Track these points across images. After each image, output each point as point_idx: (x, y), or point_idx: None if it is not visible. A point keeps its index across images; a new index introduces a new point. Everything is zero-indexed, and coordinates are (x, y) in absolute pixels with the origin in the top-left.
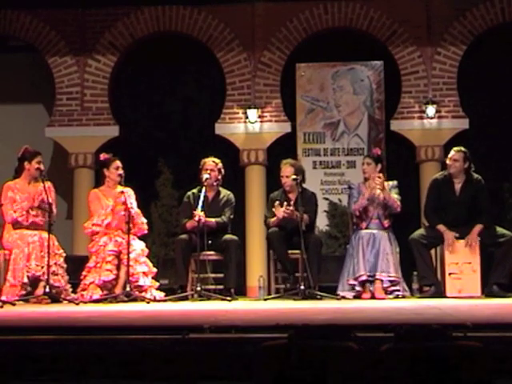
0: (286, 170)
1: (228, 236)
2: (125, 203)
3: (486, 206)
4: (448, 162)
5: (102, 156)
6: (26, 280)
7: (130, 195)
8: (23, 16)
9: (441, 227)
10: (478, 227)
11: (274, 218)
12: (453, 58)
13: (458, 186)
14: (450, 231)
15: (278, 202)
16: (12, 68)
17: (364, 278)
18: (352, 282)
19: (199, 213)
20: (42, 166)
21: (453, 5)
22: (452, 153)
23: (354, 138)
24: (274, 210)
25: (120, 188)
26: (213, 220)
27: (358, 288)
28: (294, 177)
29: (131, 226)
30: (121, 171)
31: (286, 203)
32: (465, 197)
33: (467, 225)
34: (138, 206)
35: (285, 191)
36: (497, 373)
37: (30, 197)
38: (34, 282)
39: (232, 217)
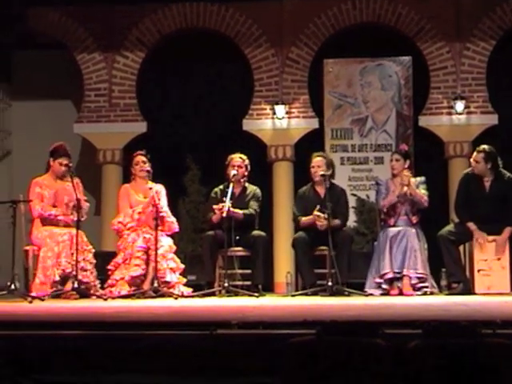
0: (318, 161)
1: (256, 232)
2: (153, 199)
3: None
4: (471, 162)
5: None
6: (57, 278)
7: (159, 192)
8: (52, 13)
9: (471, 225)
10: (508, 230)
11: (307, 218)
12: (482, 53)
13: (487, 184)
14: (481, 231)
15: (318, 212)
16: (41, 65)
17: (390, 275)
18: (378, 280)
19: (227, 206)
20: (69, 163)
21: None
22: (474, 154)
23: (381, 134)
24: (314, 216)
25: (150, 184)
26: (240, 211)
27: (384, 286)
28: (322, 173)
29: (159, 223)
30: (143, 166)
31: (317, 210)
32: (495, 194)
33: (497, 221)
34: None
35: (313, 186)
36: None
37: (57, 193)
38: (64, 278)
39: (258, 210)
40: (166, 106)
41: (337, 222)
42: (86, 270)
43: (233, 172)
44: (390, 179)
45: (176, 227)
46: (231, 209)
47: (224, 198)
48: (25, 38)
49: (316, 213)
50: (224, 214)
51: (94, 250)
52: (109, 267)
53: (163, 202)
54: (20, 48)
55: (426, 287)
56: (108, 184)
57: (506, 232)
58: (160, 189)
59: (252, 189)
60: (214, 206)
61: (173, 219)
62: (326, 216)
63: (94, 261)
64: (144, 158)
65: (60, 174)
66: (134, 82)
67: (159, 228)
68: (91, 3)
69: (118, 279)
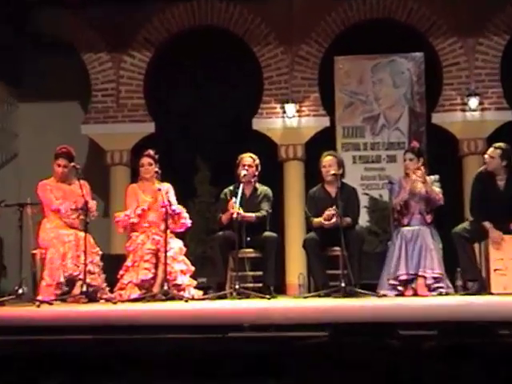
0: (328, 161)
1: (267, 233)
2: (162, 201)
3: None
4: (485, 158)
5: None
6: (62, 279)
7: (167, 191)
8: (58, 13)
9: (486, 224)
10: None
11: (319, 220)
12: (496, 48)
13: (501, 183)
14: (496, 230)
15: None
16: (47, 65)
17: (404, 277)
18: (392, 281)
19: (237, 209)
20: (71, 165)
21: None
22: (490, 149)
23: (394, 132)
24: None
25: (158, 184)
26: (252, 215)
27: (399, 288)
28: (334, 172)
29: (170, 222)
30: (148, 168)
31: (328, 209)
32: (509, 192)
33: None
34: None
35: (323, 186)
36: None
37: (64, 195)
38: (71, 281)
39: (270, 211)
40: (174, 106)
41: (347, 220)
42: (93, 273)
43: (243, 172)
44: (403, 178)
45: (188, 222)
46: (242, 213)
47: (234, 200)
48: (33, 39)
49: (328, 212)
50: (234, 216)
51: (101, 253)
52: (120, 272)
53: (173, 200)
54: (27, 49)
55: (442, 287)
56: (116, 186)
57: None
58: (168, 188)
59: (263, 189)
60: (230, 206)
61: (186, 215)
62: (336, 213)
63: (102, 263)
64: (149, 160)
65: (58, 175)
66: (142, 81)
67: (170, 227)
68: (98, 3)
69: (127, 282)
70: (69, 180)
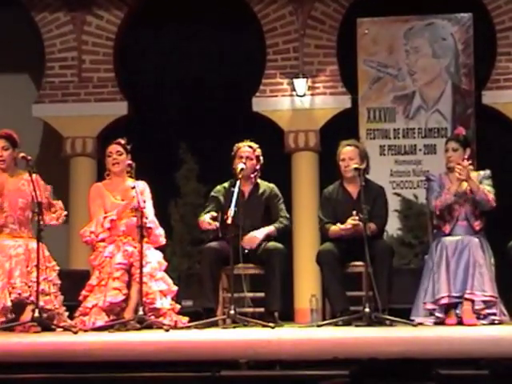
0: (349, 152)
1: (271, 244)
2: (137, 202)
3: None
4: None
5: None
6: (9, 304)
7: (143, 191)
8: None
9: None
10: None
11: (337, 228)
12: None
13: None
14: None
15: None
16: None
17: (445, 301)
18: (430, 306)
19: (231, 214)
20: (25, 156)
21: None
22: None
23: (433, 115)
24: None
25: (131, 181)
26: (272, 228)
27: (438, 314)
28: (356, 166)
29: (144, 233)
30: (117, 158)
31: (352, 217)
32: None
33: None
34: (154, 206)
35: (342, 184)
36: None
37: (9, 194)
38: (19, 305)
39: (288, 216)
40: (153, 82)
41: (372, 226)
42: (48, 294)
43: (240, 165)
44: (444, 174)
45: (163, 240)
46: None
47: (228, 202)
48: None
49: (352, 221)
50: (229, 221)
51: (58, 268)
52: (83, 293)
53: (148, 205)
54: None
55: (494, 314)
56: (78, 182)
57: None
58: (142, 187)
59: (266, 187)
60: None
61: (160, 231)
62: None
63: (59, 282)
64: (119, 148)
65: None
66: (112, 49)
67: (145, 239)
68: None
69: (92, 306)
70: (12, 170)
